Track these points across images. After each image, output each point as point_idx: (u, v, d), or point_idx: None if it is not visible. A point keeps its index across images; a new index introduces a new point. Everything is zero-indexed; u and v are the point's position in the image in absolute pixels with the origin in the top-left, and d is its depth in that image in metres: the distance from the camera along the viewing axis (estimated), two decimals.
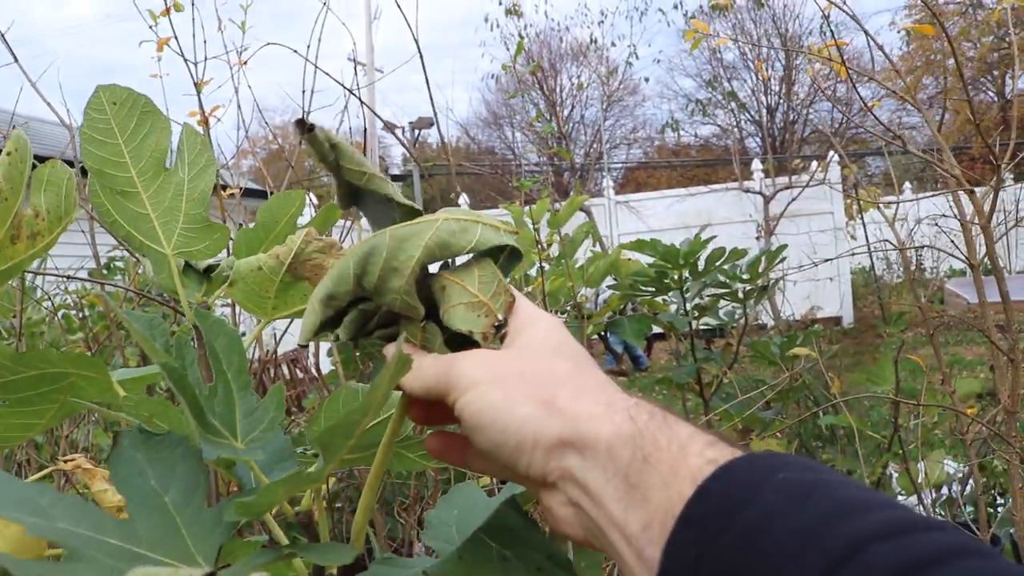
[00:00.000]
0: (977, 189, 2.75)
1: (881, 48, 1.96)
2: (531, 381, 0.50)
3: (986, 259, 2.34)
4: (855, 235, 11.14)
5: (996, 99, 28.47)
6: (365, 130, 2.52)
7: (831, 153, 11.29)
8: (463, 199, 10.81)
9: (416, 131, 18.82)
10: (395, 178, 14.75)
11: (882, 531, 0.36)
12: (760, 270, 2.69)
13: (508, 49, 23.04)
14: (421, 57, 1.84)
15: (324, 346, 3.05)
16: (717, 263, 2.60)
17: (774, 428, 3.03)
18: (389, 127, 2.63)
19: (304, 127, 0.54)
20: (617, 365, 9.19)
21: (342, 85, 1.92)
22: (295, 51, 2.03)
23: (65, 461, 0.74)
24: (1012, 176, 17.93)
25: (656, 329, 2.89)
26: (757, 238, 10.26)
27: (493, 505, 0.63)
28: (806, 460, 0.43)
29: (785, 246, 2.73)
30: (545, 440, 0.48)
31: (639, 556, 0.43)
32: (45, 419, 0.89)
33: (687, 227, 9.62)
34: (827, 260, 2.55)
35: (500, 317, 0.53)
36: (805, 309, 9.66)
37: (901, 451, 2.79)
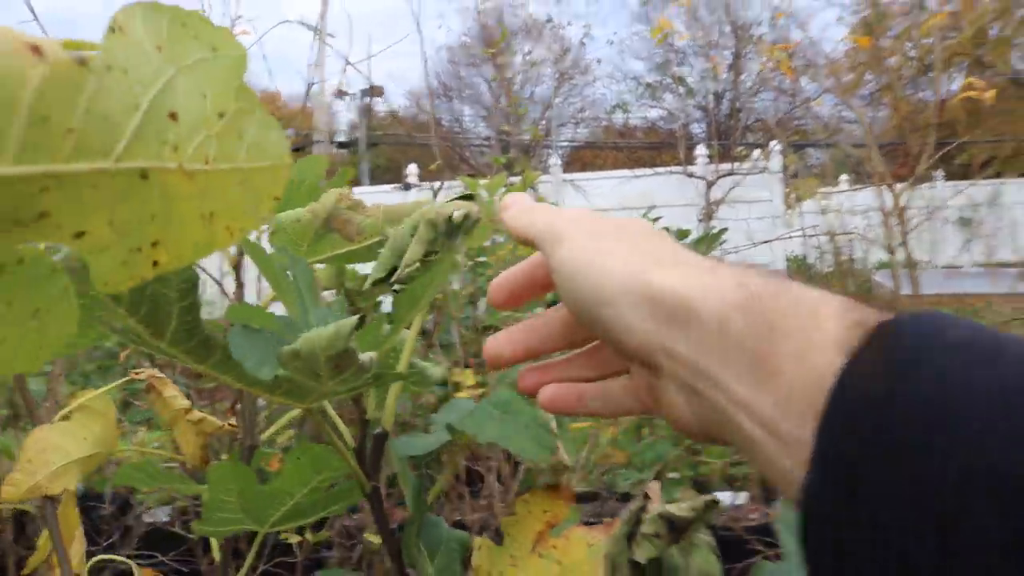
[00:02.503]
0: (900, 185, 2.99)
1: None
2: (629, 238, 0.48)
3: (910, 253, 2.56)
4: (792, 223, 11.46)
5: (934, 98, 29.13)
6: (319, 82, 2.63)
7: (773, 142, 11.57)
8: (412, 168, 10.89)
9: (366, 98, 18.73)
10: (341, 145, 14.72)
11: None
12: (702, 251, 2.89)
13: (463, 22, 23.00)
14: (419, 29, 1.97)
15: None
16: None
17: None
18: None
19: None
20: None
21: (346, 61, 2.03)
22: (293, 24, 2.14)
23: (136, 374, 0.88)
24: (943, 174, 18.29)
25: None
26: (700, 221, 10.50)
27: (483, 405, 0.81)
28: (969, 320, 0.36)
29: (725, 229, 2.94)
30: (645, 299, 0.44)
31: (776, 436, 0.38)
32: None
33: (630, 208, 9.83)
34: (766, 242, 2.76)
35: None
36: None
37: None
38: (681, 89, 26.68)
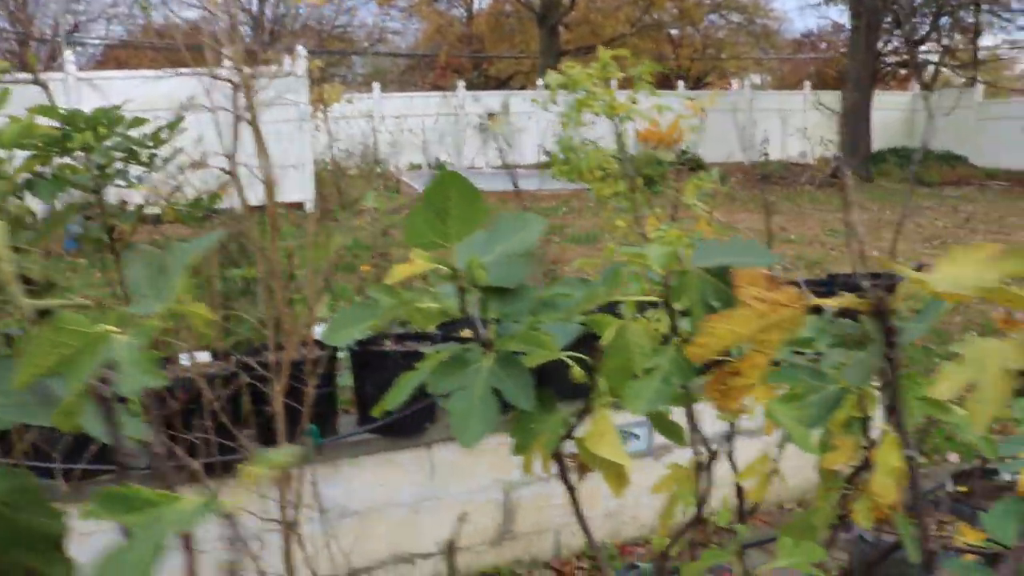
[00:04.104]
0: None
1: None
2: None
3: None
4: (322, 127, 11.85)
5: (465, 14, 31.55)
6: None
7: (299, 47, 11.82)
8: None
9: None
10: None
11: None
12: (163, 138, 3.11)
13: None
14: None
15: None
16: (119, 129, 2.96)
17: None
18: None
19: None
20: (78, 247, 9.00)
21: None
22: None
23: None
24: (466, 84, 19.74)
25: None
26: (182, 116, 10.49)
27: None
28: None
29: (183, 118, 3.17)
30: None
31: None
32: None
33: (157, 110, 9.57)
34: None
35: None
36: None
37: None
38: None
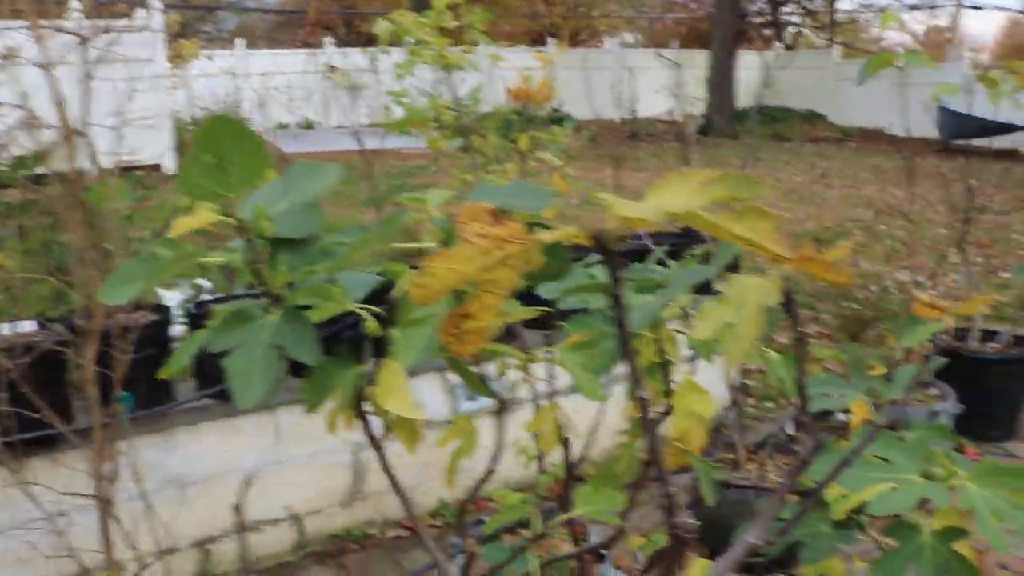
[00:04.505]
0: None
1: None
2: None
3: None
4: (179, 84, 11.35)
5: None
6: None
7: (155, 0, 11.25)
8: None
9: None
10: None
11: None
12: None
13: None
14: None
15: None
16: None
17: (12, 245, 3.36)
18: None
19: None
20: None
21: None
22: None
23: None
24: (335, 41, 19.36)
25: None
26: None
27: None
28: None
29: None
30: None
31: None
32: None
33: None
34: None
35: None
36: (125, 155, 9.77)
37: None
38: None
